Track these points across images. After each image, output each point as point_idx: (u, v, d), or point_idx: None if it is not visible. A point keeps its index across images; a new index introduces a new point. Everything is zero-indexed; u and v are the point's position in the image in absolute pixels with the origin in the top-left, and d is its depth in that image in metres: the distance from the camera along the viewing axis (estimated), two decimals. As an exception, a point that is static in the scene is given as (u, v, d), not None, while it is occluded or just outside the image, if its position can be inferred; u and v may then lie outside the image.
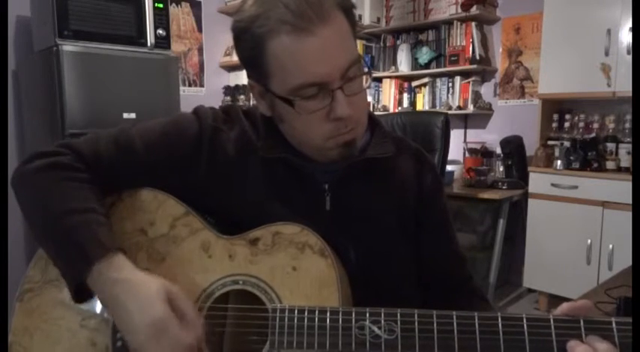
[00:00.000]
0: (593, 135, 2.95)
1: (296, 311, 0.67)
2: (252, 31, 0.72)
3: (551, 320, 0.61)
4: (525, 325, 0.61)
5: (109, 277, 0.67)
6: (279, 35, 0.69)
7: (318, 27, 0.69)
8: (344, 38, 0.73)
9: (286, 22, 0.68)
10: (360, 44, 3.94)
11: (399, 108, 3.89)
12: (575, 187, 2.84)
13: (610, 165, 2.81)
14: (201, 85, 4.04)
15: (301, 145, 0.80)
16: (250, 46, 0.73)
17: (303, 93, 0.72)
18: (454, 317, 0.63)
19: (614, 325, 0.59)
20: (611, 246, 2.70)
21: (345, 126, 0.75)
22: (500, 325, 0.62)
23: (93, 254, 0.68)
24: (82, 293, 0.70)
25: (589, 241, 2.78)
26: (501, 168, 3.37)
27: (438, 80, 3.71)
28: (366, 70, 0.78)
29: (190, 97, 3.83)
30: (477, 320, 0.63)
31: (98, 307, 0.76)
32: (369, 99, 3.97)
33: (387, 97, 3.95)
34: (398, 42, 3.87)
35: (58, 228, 0.71)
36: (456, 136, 3.59)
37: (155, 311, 0.64)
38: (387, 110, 3.88)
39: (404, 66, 3.80)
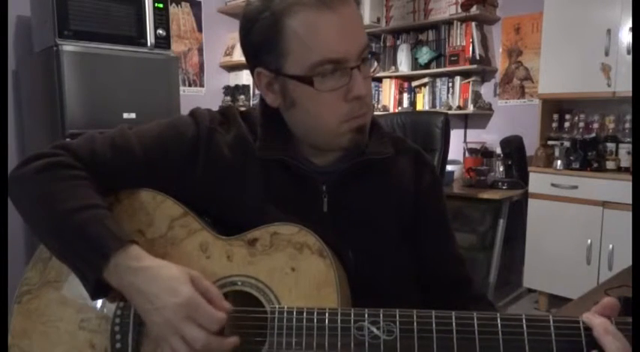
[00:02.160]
0: (593, 135, 2.94)
1: (294, 312, 0.67)
2: (271, 8, 0.73)
3: (551, 321, 0.61)
4: (525, 325, 0.61)
5: (129, 267, 0.68)
6: (301, 10, 0.71)
7: (338, 4, 0.71)
8: (360, 21, 0.76)
9: None
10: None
11: (399, 108, 3.89)
12: (575, 187, 2.83)
13: (610, 165, 2.81)
14: (201, 85, 4.03)
15: (312, 133, 0.80)
16: (267, 25, 0.73)
17: (321, 71, 0.72)
18: (453, 317, 0.63)
19: (614, 325, 0.59)
20: (611, 246, 2.70)
21: (360, 107, 0.76)
22: (499, 325, 0.62)
23: (109, 247, 0.68)
24: (100, 289, 0.70)
25: (589, 241, 2.78)
26: (501, 168, 3.36)
27: (438, 80, 3.70)
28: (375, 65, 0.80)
29: (190, 97, 3.82)
30: (475, 320, 0.62)
31: (98, 308, 0.76)
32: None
33: (387, 97, 3.95)
34: (398, 42, 3.87)
35: (67, 226, 0.71)
36: (456, 136, 3.59)
37: (183, 291, 0.66)
38: (387, 110, 3.88)
39: (404, 66, 3.80)
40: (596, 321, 0.59)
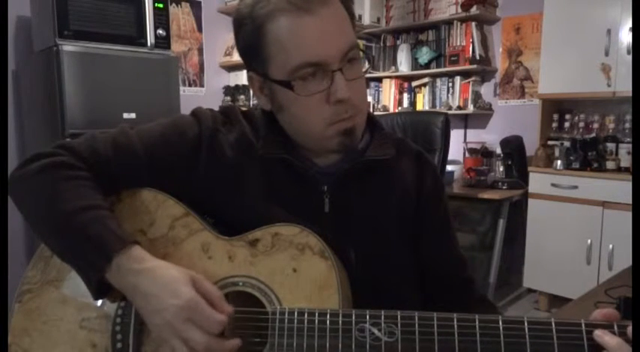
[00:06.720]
0: (593, 135, 2.94)
1: (296, 313, 0.67)
2: (253, 14, 0.73)
3: (553, 323, 0.61)
4: (527, 328, 0.61)
5: (131, 268, 0.68)
6: (281, 15, 0.71)
7: (317, 7, 0.71)
8: (343, 22, 0.75)
9: (287, 1, 0.71)
10: (360, 44, 3.92)
11: (399, 108, 3.89)
12: (575, 187, 2.83)
13: (610, 165, 2.81)
14: (201, 85, 4.03)
15: (301, 136, 0.80)
16: (251, 30, 0.74)
17: (302, 74, 0.72)
18: (455, 319, 0.63)
19: (615, 328, 0.59)
20: (611, 246, 2.70)
21: (346, 111, 0.75)
22: (501, 328, 0.62)
23: (111, 248, 0.68)
24: (102, 290, 0.70)
25: (589, 241, 2.78)
26: (501, 168, 3.36)
27: (438, 80, 3.71)
28: (366, 65, 0.79)
29: (190, 97, 3.82)
30: (477, 322, 0.62)
31: (99, 307, 0.76)
32: (369, 99, 3.97)
33: (387, 97, 3.95)
34: (398, 42, 3.87)
35: (70, 226, 0.71)
36: (456, 136, 3.58)
37: (184, 293, 0.66)
38: (387, 110, 3.88)
39: (404, 66, 3.80)
40: (612, 343, 0.58)
